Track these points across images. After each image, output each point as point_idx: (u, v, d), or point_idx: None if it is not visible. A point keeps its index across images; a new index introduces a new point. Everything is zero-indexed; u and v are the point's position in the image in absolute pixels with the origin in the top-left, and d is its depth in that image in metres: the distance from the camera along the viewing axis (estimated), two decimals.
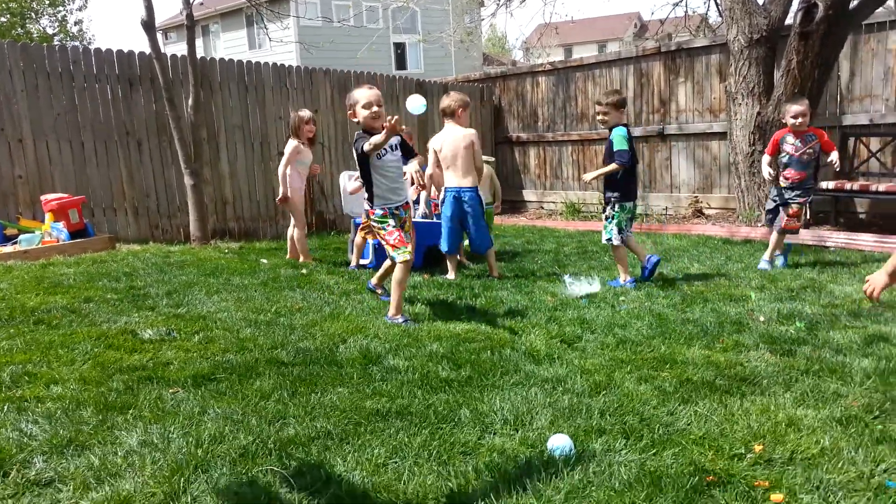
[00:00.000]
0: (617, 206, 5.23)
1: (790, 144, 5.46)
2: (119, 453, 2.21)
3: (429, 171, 5.77)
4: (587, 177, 5.31)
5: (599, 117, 5.23)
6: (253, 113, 8.35)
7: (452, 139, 5.49)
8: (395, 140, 4.13)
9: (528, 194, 10.92)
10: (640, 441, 2.37)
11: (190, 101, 7.09)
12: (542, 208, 10.69)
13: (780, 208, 5.56)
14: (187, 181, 7.09)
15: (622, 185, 5.21)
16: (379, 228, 4.18)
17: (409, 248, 4.12)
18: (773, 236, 5.63)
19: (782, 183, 5.53)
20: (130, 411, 2.57)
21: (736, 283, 5.06)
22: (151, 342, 3.46)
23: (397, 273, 4.12)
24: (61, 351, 3.26)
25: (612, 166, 5.08)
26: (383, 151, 4.09)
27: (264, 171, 8.40)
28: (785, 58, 7.18)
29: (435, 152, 5.60)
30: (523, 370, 3.16)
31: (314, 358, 3.29)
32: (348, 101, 4.16)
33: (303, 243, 6.23)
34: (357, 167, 4.19)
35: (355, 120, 4.15)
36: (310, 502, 1.98)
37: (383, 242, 4.22)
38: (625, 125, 5.15)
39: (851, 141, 7.59)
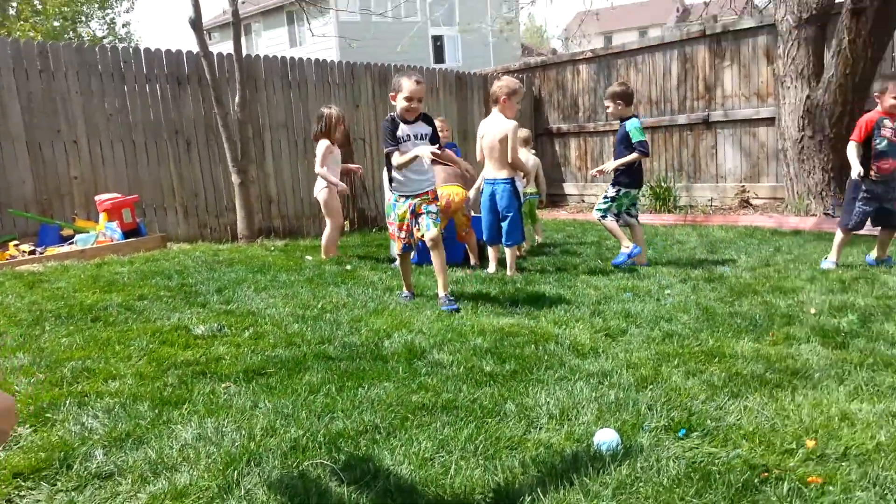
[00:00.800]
0: (623, 190, 5.55)
1: (889, 129, 4.80)
2: (175, 447, 2.29)
3: (479, 156, 5.58)
4: (608, 166, 5.45)
5: (610, 110, 5.52)
6: (297, 110, 8.48)
7: (492, 129, 5.43)
8: (424, 130, 4.32)
9: (569, 188, 10.83)
10: (689, 436, 2.34)
11: (237, 99, 7.23)
12: (584, 202, 10.59)
13: (871, 212, 4.95)
14: (234, 180, 7.26)
15: (634, 173, 5.53)
16: (387, 216, 4.55)
17: (399, 245, 4.54)
18: (841, 236, 5.08)
19: (873, 176, 4.86)
20: (185, 406, 2.66)
21: (785, 274, 4.94)
22: (204, 338, 3.56)
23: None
24: (118, 347, 3.39)
25: (634, 156, 5.34)
26: (406, 137, 4.31)
27: (307, 168, 8.53)
28: (836, 37, 6.95)
29: (479, 139, 5.51)
30: (568, 364, 3.15)
31: (360, 353, 3.35)
32: (394, 84, 4.29)
33: (330, 240, 6.12)
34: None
35: (394, 102, 4.32)
36: (359, 496, 2.02)
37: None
38: (635, 116, 5.46)
39: None
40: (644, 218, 8.58)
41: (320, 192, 6.06)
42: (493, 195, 5.49)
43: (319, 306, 4.31)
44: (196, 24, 6.94)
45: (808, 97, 7.25)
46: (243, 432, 2.40)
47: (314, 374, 3.03)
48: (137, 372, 3.03)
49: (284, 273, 5.37)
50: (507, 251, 5.50)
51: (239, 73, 7.19)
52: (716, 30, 8.85)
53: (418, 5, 20.00)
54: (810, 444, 2.24)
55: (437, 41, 24.82)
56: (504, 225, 5.47)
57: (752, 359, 3.10)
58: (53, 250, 6.01)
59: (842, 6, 6.95)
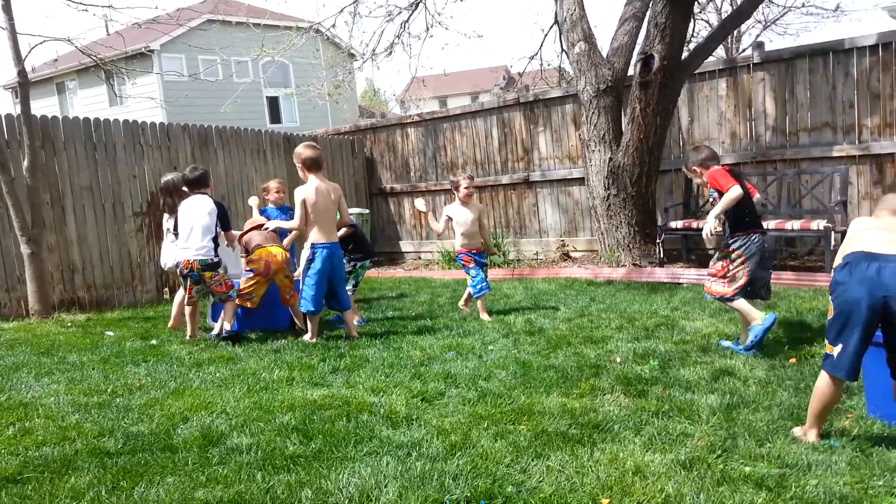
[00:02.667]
0: (360, 263, 6.06)
1: None
2: None
3: (296, 223, 5.23)
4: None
5: None
6: (103, 173, 7.79)
7: (326, 192, 5.16)
8: None
9: (405, 245, 10.88)
10: None
11: (25, 164, 6.51)
12: (420, 258, 10.67)
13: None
14: (24, 250, 6.47)
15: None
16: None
17: None
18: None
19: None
20: None
21: (598, 324, 5.17)
22: None
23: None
24: None
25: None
26: None
27: (117, 233, 7.82)
28: (629, 106, 7.65)
29: (308, 204, 5.07)
30: (378, 437, 2.99)
31: (146, 444, 2.97)
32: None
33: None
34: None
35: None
36: None
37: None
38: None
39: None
40: None
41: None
42: (331, 259, 5.22)
43: (109, 391, 3.83)
44: None
45: (610, 159, 7.86)
46: None
47: (83, 475, 2.62)
48: None
49: (76, 353, 4.77)
50: (350, 314, 5.36)
51: (28, 136, 6.50)
52: (529, 98, 9.45)
53: (250, 66, 19.66)
54: (605, 502, 2.24)
55: (273, 102, 24.51)
56: (341, 289, 5.30)
57: (558, 414, 3.13)
58: None
59: (632, 79, 7.69)
